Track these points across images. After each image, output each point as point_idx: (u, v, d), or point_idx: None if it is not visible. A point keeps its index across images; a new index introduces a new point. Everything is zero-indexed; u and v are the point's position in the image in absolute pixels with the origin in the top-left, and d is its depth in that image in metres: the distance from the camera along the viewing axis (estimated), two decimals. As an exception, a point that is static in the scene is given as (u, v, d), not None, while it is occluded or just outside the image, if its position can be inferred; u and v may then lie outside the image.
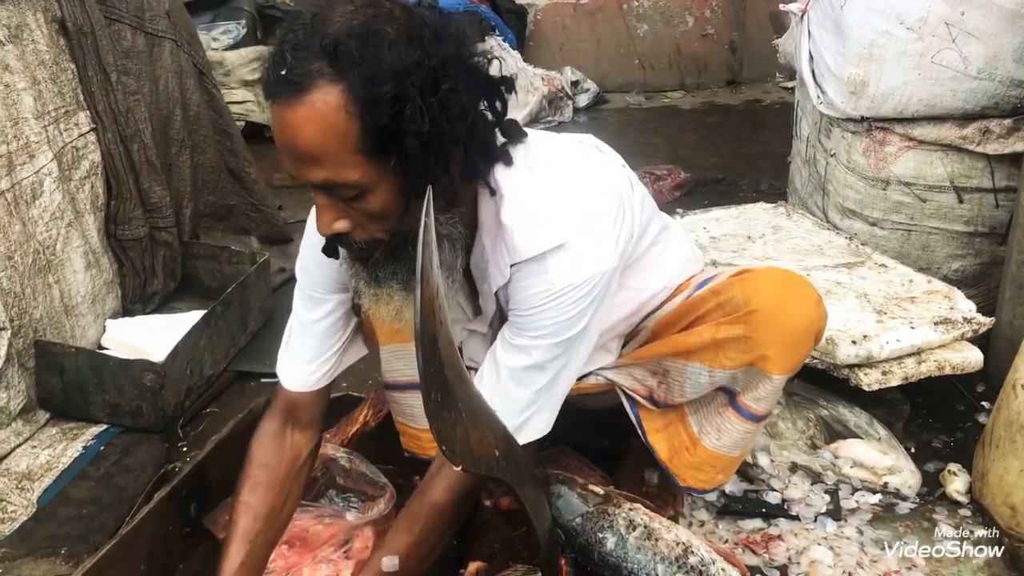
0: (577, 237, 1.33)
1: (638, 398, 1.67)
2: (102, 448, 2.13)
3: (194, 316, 2.44)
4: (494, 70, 1.28)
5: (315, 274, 1.55)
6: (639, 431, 1.68)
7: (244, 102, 4.43)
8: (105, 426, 2.21)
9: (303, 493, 1.66)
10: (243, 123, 4.18)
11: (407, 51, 1.15)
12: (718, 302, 1.57)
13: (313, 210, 1.37)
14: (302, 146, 1.17)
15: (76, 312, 2.34)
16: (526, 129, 1.42)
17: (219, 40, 4.46)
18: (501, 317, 1.49)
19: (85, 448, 2.12)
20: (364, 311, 1.48)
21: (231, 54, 4.44)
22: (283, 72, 1.15)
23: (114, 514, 1.91)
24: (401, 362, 1.68)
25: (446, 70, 1.18)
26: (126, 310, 2.59)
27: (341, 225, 1.25)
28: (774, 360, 1.53)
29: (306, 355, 1.60)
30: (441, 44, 1.18)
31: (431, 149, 1.19)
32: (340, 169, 1.18)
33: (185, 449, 2.20)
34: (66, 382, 2.19)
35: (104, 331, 2.46)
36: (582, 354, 1.45)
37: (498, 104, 1.31)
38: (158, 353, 2.24)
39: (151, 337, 2.41)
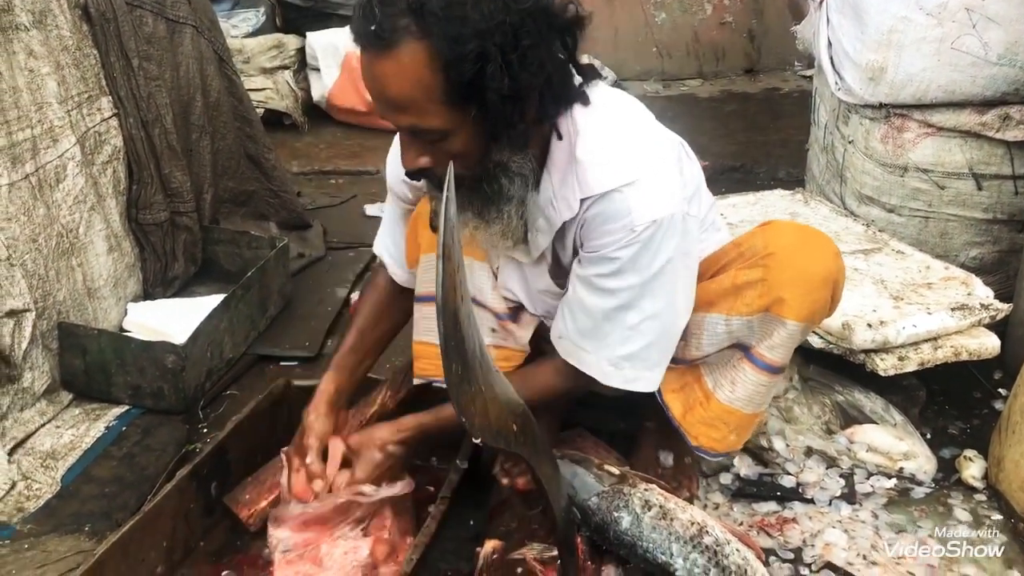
0: (648, 176, 1.40)
1: None
2: (124, 429, 2.16)
3: (214, 300, 2.46)
4: (570, 10, 1.35)
5: (396, 183, 1.75)
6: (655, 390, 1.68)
7: (263, 89, 4.45)
8: (127, 407, 2.24)
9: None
10: (262, 110, 4.21)
11: (490, 8, 1.22)
12: (739, 252, 1.62)
13: (397, 137, 1.50)
14: (389, 95, 1.27)
15: (98, 295, 2.37)
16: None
17: (238, 28, 4.49)
18: (554, 258, 1.58)
19: (107, 428, 2.15)
20: (411, 226, 1.73)
21: (250, 42, 4.47)
22: (372, 27, 1.22)
23: (136, 493, 1.94)
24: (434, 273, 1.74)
25: (526, 25, 1.24)
26: (147, 294, 2.62)
27: (424, 161, 1.36)
28: (789, 304, 1.54)
29: (393, 239, 1.86)
30: None
31: (510, 100, 1.27)
32: (424, 116, 1.28)
33: (205, 430, 2.23)
34: (89, 363, 2.22)
35: (126, 314, 2.49)
36: (681, 307, 1.53)
37: (571, 43, 1.37)
38: (179, 336, 2.27)
39: (172, 320, 2.44)
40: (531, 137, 1.40)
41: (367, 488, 1.76)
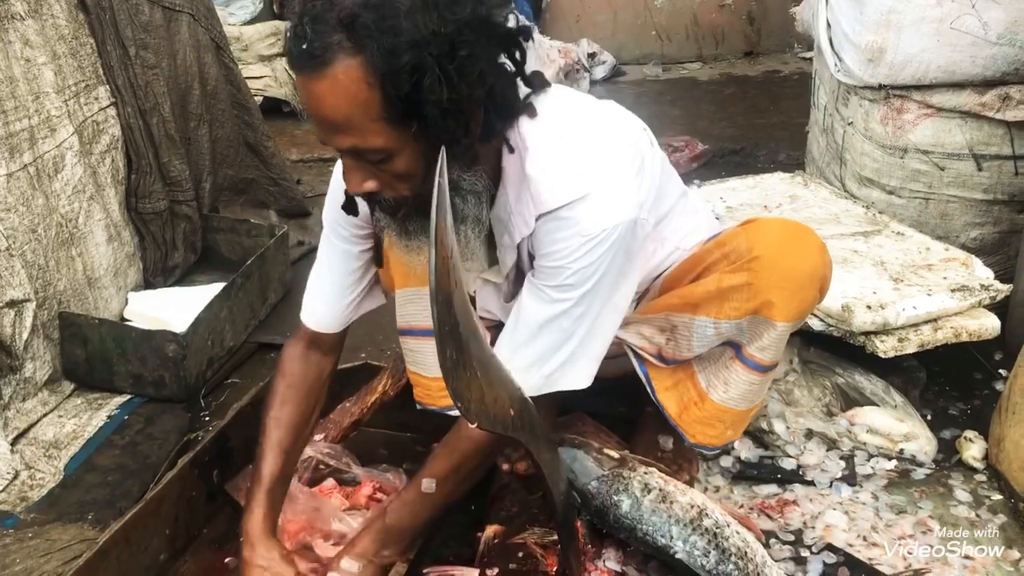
0: (601, 187, 1.36)
1: (647, 356, 1.69)
2: (126, 417, 2.17)
3: (214, 288, 2.47)
4: (511, 21, 1.30)
5: (340, 222, 1.62)
6: (648, 390, 1.69)
7: (261, 77, 4.44)
8: (129, 396, 2.25)
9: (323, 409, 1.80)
10: (260, 98, 4.20)
11: (423, 19, 1.17)
12: (723, 252, 1.60)
13: (339, 163, 1.44)
14: (328, 116, 1.22)
15: (99, 284, 2.38)
16: (550, 81, 1.45)
17: (236, 15, 4.48)
18: (518, 270, 1.53)
19: (110, 417, 2.16)
20: (384, 261, 1.61)
21: (248, 29, 4.46)
22: (304, 46, 1.18)
23: (139, 481, 1.95)
24: (414, 306, 1.71)
25: (463, 35, 1.19)
26: (147, 283, 2.63)
27: (370, 185, 1.31)
28: (778, 306, 1.54)
29: (327, 300, 1.70)
30: (457, 7, 1.19)
31: (451, 114, 1.22)
32: (365, 136, 1.22)
33: (207, 418, 2.23)
34: (90, 353, 2.23)
35: (126, 303, 2.50)
36: (618, 304, 1.49)
37: (518, 55, 1.33)
38: (179, 325, 2.27)
39: (172, 309, 2.45)
40: (480, 153, 1.35)
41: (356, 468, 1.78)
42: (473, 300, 1.65)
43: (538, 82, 1.40)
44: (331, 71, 1.17)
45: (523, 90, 1.39)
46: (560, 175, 1.36)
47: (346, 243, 1.64)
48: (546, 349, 1.45)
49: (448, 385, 0.99)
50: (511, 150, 1.37)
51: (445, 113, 1.21)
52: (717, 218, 2.46)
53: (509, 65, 1.33)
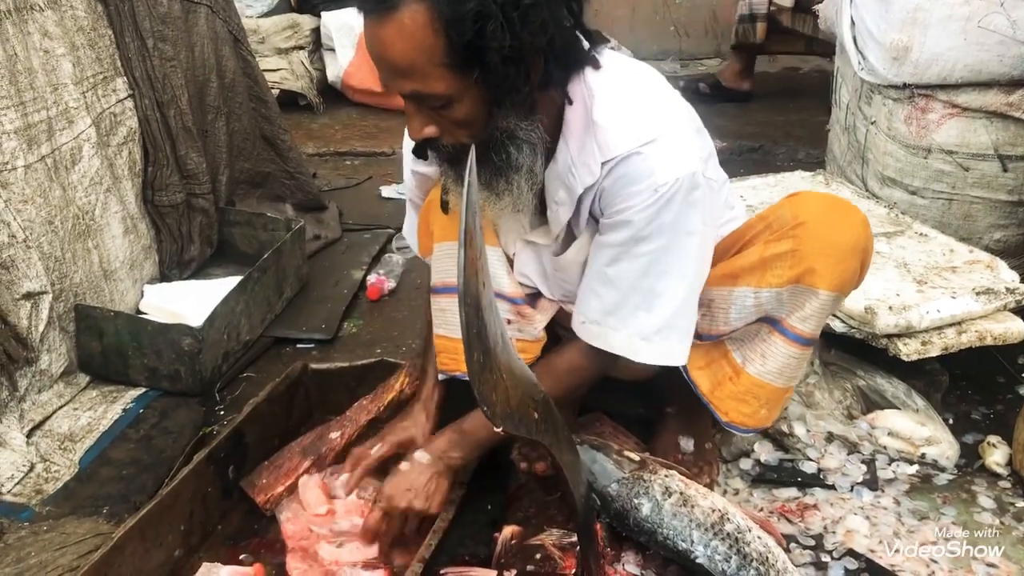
0: (667, 133, 1.40)
1: None
2: (141, 411, 2.16)
3: (231, 282, 2.46)
4: None
5: (413, 182, 1.75)
6: (681, 368, 1.66)
7: (278, 70, 4.43)
8: (144, 389, 2.24)
9: None
10: (277, 91, 4.18)
11: None
12: (767, 223, 1.60)
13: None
14: (391, 60, 1.26)
15: (115, 277, 2.37)
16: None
17: (253, 7, 4.46)
18: (569, 231, 1.56)
19: (125, 411, 2.15)
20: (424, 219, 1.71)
21: (265, 22, 4.44)
22: None
23: (153, 475, 1.94)
24: (451, 261, 1.70)
25: None
26: (163, 276, 2.62)
27: (430, 130, 1.35)
28: (821, 273, 1.53)
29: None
30: None
31: (512, 62, 1.26)
32: (427, 81, 1.27)
33: (222, 413, 2.22)
34: (106, 346, 2.22)
35: (142, 296, 2.49)
36: (702, 265, 1.52)
37: (576, 7, 1.37)
38: (195, 318, 2.26)
39: (188, 302, 2.44)
40: (537, 103, 1.39)
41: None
42: (511, 261, 1.69)
43: (599, 38, 1.44)
44: (398, 15, 1.21)
45: (584, 44, 1.42)
46: (628, 121, 1.40)
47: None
48: (644, 312, 1.48)
49: (474, 388, 0.98)
50: (571, 102, 1.40)
51: (506, 60, 1.25)
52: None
53: (569, 18, 1.36)
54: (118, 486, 1.90)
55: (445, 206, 1.56)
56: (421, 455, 1.62)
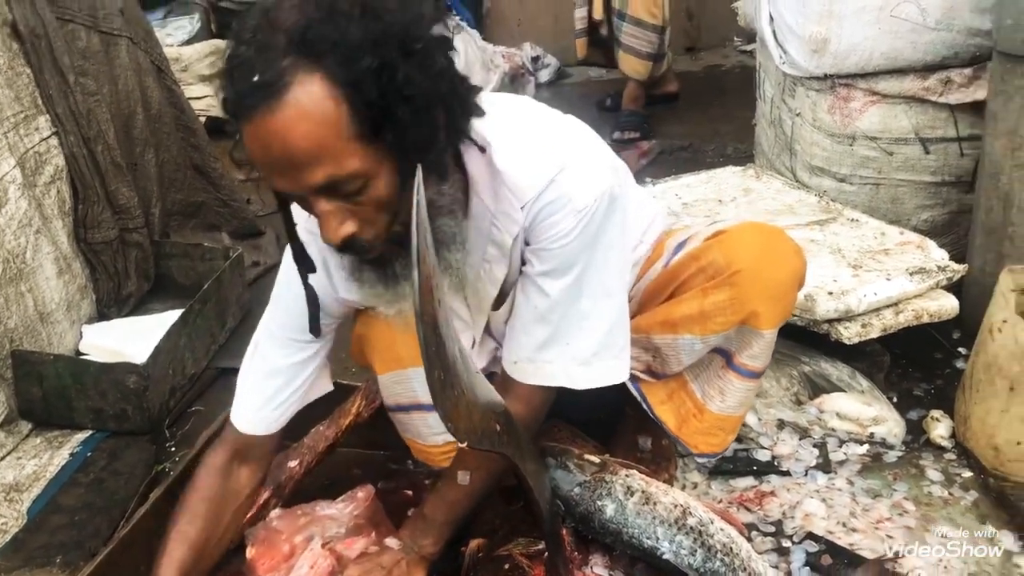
0: (572, 157, 1.37)
1: (637, 373, 1.69)
2: (89, 454, 2.11)
3: (171, 316, 2.42)
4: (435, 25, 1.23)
5: (296, 316, 1.49)
6: (645, 406, 1.70)
7: (203, 97, 4.35)
8: (90, 432, 2.19)
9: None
10: (204, 118, 4.12)
11: (371, 22, 1.11)
12: (699, 267, 1.60)
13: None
14: (297, 149, 1.10)
15: (51, 319, 2.31)
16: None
17: (173, 36, 4.39)
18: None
19: (72, 455, 2.10)
20: (358, 342, 1.60)
21: (187, 49, 4.37)
22: (255, 78, 1.07)
23: (107, 519, 1.90)
24: (399, 387, 1.69)
25: (411, 32, 1.14)
26: (102, 314, 2.56)
27: (349, 227, 1.19)
28: (764, 316, 1.56)
29: (265, 397, 1.58)
30: (398, 8, 1.14)
31: (421, 114, 1.15)
32: (340, 162, 1.12)
33: (173, 449, 2.18)
34: (47, 390, 2.17)
35: (81, 337, 2.43)
36: (624, 277, 1.51)
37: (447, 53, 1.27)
38: (138, 355, 2.22)
39: (129, 340, 2.39)
40: (449, 163, 1.30)
41: (329, 509, 1.69)
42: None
43: (471, 83, 1.34)
44: (291, 96, 1.07)
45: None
46: (531, 159, 1.35)
47: (292, 334, 1.54)
48: (578, 338, 1.45)
49: (437, 406, 0.98)
50: (482, 150, 1.33)
51: (416, 113, 1.13)
52: (673, 214, 2.49)
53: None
54: (71, 533, 1.86)
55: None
56: (391, 540, 1.54)
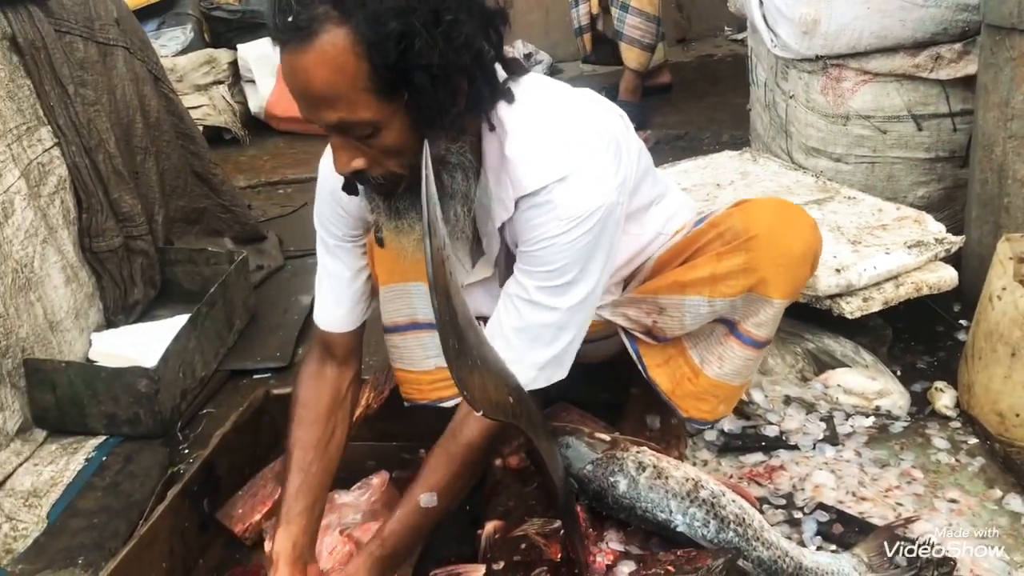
0: (579, 170, 1.37)
1: (637, 333, 1.71)
2: (104, 459, 2.13)
3: (179, 321, 2.44)
4: (490, 1, 1.31)
5: (331, 223, 1.62)
6: (640, 367, 1.71)
7: (199, 106, 4.39)
8: (104, 437, 2.20)
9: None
10: (201, 127, 4.14)
11: None
12: (717, 232, 1.62)
13: (324, 157, 1.46)
14: (315, 89, 1.20)
15: (61, 328, 2.33)
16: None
17: (167, 47, 4.42)
18: (507, 257, 1.53)
19: (87, 460, 2.12)
20: (369, 243, 1.61)
21: (181, 59, 4.40)
22: (289, 18, 1.18)
23: (125, 520, 1.92)
24: (399, 301, 1.71)
25: (446, 3, 1.21)
26: (109, 322, 2.58)
27: (358, 163, 1.29)
28: (774, 284, 1.57)
29: (336, 300, 1.69)
30: None
31: (439, 82, 1.22)
32: (353, 109, 1.22)
33: (186, 451, 2.20)
34: (60, 398, 2.19)
35: (91, 345, 2.45)
36: (596, 293, 1.49)
37: (493, 34, 1.33)
38: (147, 361, 2.23)
39: (138, 346, 2.41)
40: (465, 126, 1.36)
41: (345, 496, 1.74)
42: None
43: (515, 67, 1.41)
44: (318, 42, 1.17)
45: (500, 74, 1.39)
46: (539, 157, 1.37)
47: (339, 241, 1.64)
48: (543, 343, 1.45)
49: (453, 374, 1.00)
50: (492, 128, 1.38)
51: (434, 80, 1.22)
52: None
53: (487, 45, 1.33)
54: (91, 535, 1.88)
55: (380, 241, 1.53)
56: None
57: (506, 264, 1.54)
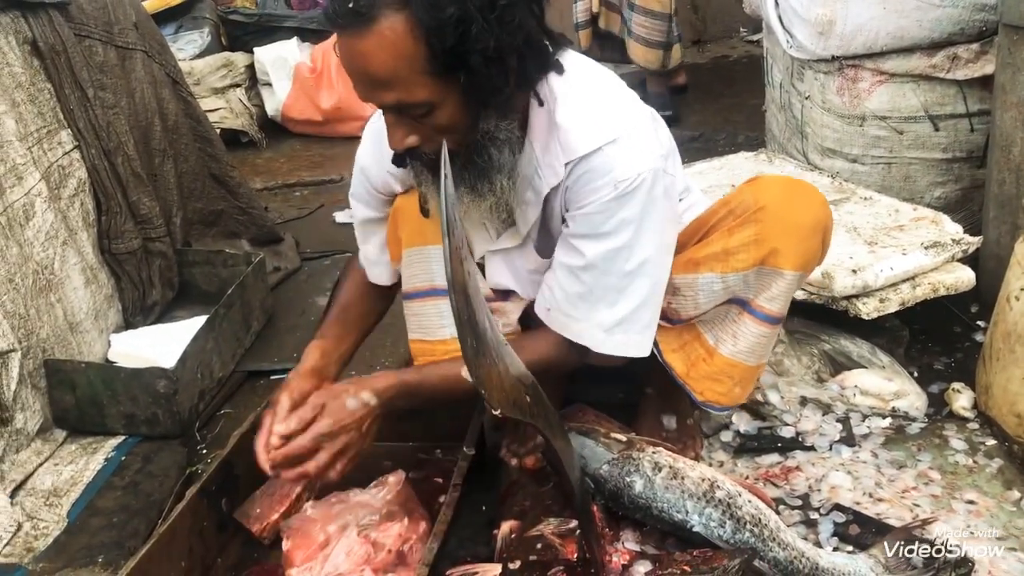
0: (628, 134, 1.43)
1: None
2: (123, 458, 2.15)
3: (197, 322, 2.45)
4: None
5: (363, 180, 1.74)
6: (655, 351, 1.70)
7: (216, 109, 4.42)
8: (123, 437, 2.22)
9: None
10: (218, 130, 4.17)
11: None
12: (729, 209, 1.64)
13: (372, 120, 1.58)
14: (373, 72, 1.27)
15: (80, 329, 2.36)
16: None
17: (184, 50, 4.45)
18: (540, 231, 1.58)
19: (107, 460, 2.14)
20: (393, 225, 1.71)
21: (198, 63, 4.43)
22: (349, 4, 1.22)
23: (144, 519, 1.94)
24: (420, 265, 1.73)
25: None
26: (128, 323, 2.60)
27: (412, 140, 1.36)
28: (784, 254, 1.58)
29: (378, 258, 1.82)
30: None
31: (493, 63, 1.28)
32: (410, 90, 1.28)
33: (204, 452, 2.22)
34: (79, 398, 2.21)
35: (110, 346, 2.48)
36: (664, 259, 1.54)
37: (537, 9, 1.39)
38: (166, 362, 2.25)
39: (157, 347, 2.43)
40: (515, 103, 1.43)
41: (361, 496, 1.74)
42: (481, 268, 1.69)
43: (562, 40, 1.48)
44: (377, 27, 1.22)
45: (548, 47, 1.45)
46: (589, 122, 1.43)
47: (375, 210, 1.76)
48: (606, 304, 1.50)
49: (471, 373, 1.01)
50: (540, 103, 1.43)
51: (489, 62, 1.27)
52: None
53: (534, 19, 1.39)
54: (110, 534, 1.90)
55: (426, 212, 1.59)
56: (369, 397, 1.51)
57: (539, 234, 1.60)
